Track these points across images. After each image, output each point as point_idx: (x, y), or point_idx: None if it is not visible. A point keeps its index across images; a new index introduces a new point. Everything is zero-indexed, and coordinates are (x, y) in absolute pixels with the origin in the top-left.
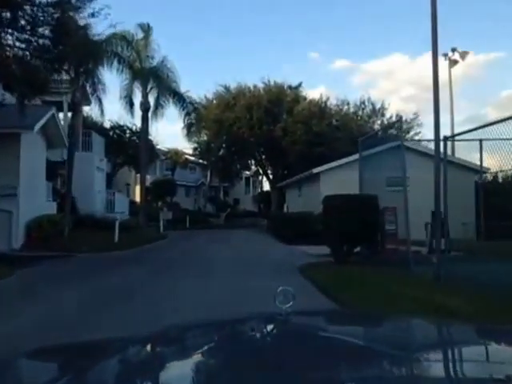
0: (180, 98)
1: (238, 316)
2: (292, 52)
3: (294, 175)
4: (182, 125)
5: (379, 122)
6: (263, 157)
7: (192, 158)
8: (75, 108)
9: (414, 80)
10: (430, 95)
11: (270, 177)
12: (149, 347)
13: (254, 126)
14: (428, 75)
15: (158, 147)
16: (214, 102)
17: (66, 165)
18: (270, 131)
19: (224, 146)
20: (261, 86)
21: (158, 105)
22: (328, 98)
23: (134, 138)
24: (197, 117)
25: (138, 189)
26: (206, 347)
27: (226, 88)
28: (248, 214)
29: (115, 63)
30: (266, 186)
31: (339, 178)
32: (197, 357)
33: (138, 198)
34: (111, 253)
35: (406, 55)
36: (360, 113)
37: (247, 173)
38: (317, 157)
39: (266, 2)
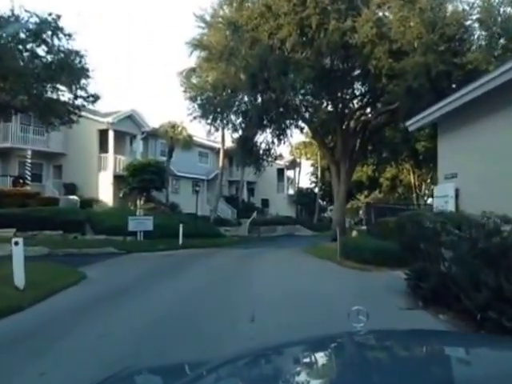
0: None
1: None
2: None
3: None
4: None
5: None
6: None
7: (202, 141)
8: None
9: None
10: None
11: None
12: (245, 368)
13: (308, 20)
14: None
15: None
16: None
17: None
18: (343, 33)
19: (244, 86)
20: None
21: None
22: None
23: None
24: None
25: (105, 177)
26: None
27: None
28: (282, 221)
29: None
30: (304, 182)
31: None
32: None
33: (105, 195)
34: None
35: None
36: None
37: (280, 163)
38: (459, 80)
39: None
